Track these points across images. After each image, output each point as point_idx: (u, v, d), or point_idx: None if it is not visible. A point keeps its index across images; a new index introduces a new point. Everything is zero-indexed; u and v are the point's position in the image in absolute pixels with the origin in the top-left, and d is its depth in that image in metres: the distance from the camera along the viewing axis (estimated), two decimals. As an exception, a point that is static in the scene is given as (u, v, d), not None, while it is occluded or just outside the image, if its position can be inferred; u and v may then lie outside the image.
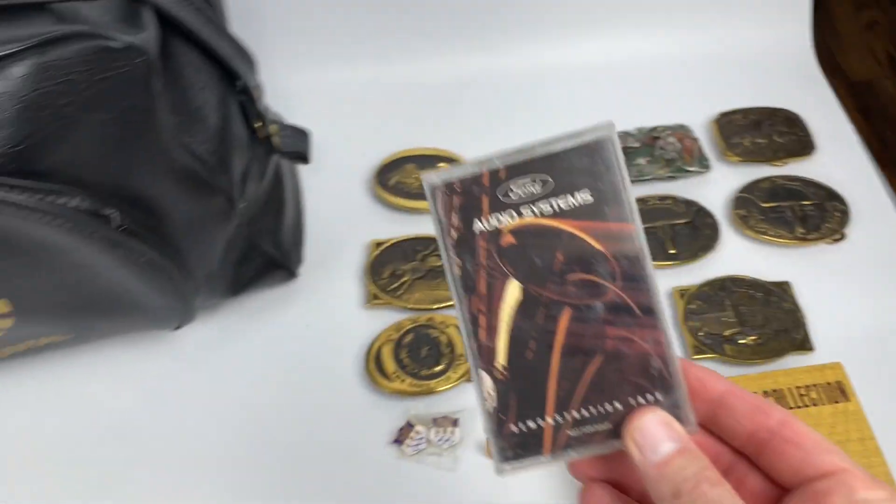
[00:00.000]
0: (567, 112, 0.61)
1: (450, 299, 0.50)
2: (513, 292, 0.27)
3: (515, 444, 0.28)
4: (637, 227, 0.27)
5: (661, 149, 0.57)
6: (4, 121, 0.32)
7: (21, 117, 0.32)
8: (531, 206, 0.27)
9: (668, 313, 0.26)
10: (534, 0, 0.63)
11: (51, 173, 0.34)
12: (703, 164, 0.57)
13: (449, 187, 0.27)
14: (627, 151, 0.57)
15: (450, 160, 0.59)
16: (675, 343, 0.27)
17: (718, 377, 0.28)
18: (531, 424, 0.27)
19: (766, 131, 0.59)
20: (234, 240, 0.46)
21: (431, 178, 0.27)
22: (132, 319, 0.44)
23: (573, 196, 0.27)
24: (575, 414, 0.27)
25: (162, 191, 0.38)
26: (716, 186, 0.56)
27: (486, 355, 0.28)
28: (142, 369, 0.49)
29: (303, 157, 0.49)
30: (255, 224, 0.48)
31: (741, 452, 0.28)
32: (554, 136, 0.27)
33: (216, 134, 0.41)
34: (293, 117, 0.52)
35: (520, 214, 0.27)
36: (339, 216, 0.57)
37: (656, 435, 0.26)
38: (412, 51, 0.64)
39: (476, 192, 0.27)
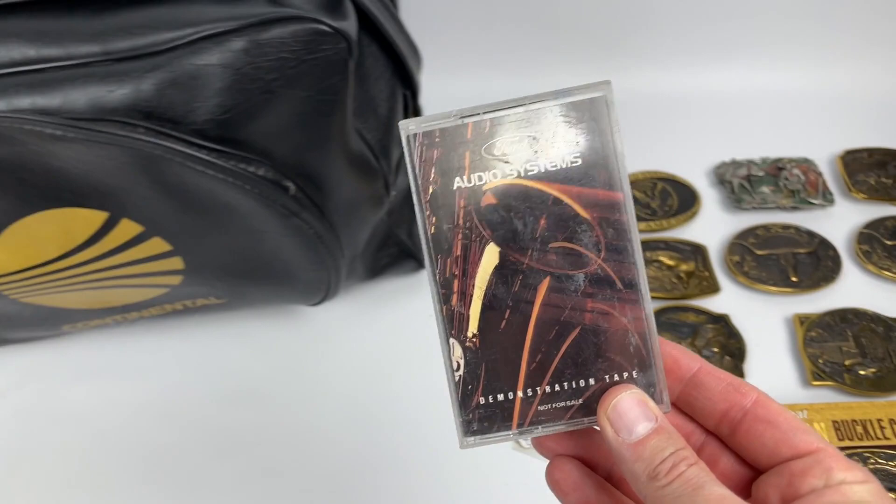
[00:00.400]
0: (694, 137, 0.63)
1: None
2: (490, 257, 0.26)
3: (482, 417, 0.26)
4: (626, 196, 0.25)
5: (786, 179, 0.58)
6: (219, 90, 0.35)
7: (233, 88, 0.36)
8: (516, 165, 0.25)
9: (648, 290, 0.26)
10: (667, 27, 0.65)
11: (246, 142, 0.38)
12: (827, 198, 0.57)
13: (428, 137, 0.25)
14: (752, 179, 0.59)
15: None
16: (654, 320, 0.26)
17: (692, 355, 0.27)
18: (500, 397, 0.26)
19: (891, 171, 0.60)
20: (378, 226, 0.49)
21: (409, 125, 0.25)
22: (283, 290, 0.47)
23: (561, 158, 0.25)
24: (546, 388, 0.26)
25: (334, 170, 0.41)
26: (839, 221, 0.57)
27: (456, 323, 0.26)
28: (276, 341, 0.52)
29: (444, 155, 0.52)
30: (395, 214, 0.50)
31: (713, 433, 0.27)
32: (546, 92, 0.25)
33: (383, 123, 0.44)
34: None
35: (503, 174, 0.25)
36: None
37: (632, 414, 0.25)
38: (546, 68, 0.66)
39: (458, 145, 0.25)
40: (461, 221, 0.25)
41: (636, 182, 0.60)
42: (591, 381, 0.26)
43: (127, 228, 0.39)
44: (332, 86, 0.37)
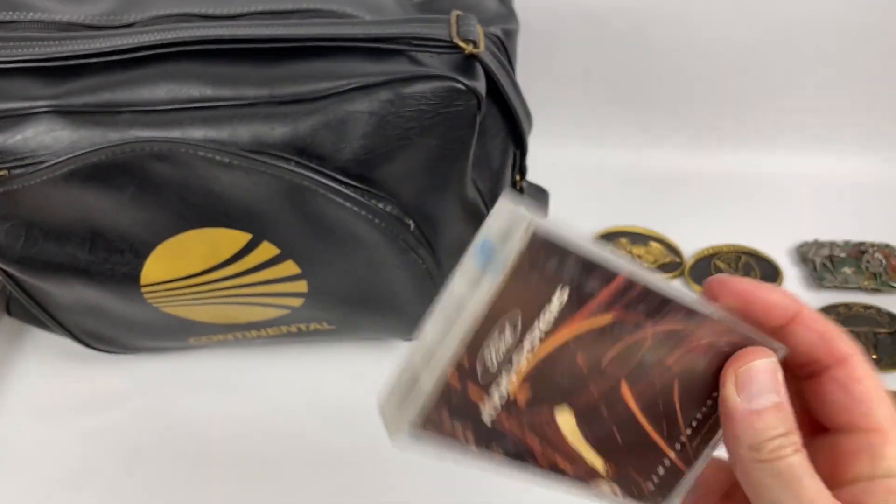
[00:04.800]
0: (779, 217, 0.66)
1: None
2: (565, 421, 0.24)
3: (657, 487, 0.27)
4: (629, 267, 0.23)
5: (868, 262, 0.60)
6: (363, 133, 0.41)
7: (376, 133, 0.41)
8: (516, 355, 0.22)
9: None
10: (758, 113, 0.69)
11: (379, 181, 0.42)
12: (909, 283, 0.59)
13: (428, 422, 0.22)
14: (834, 260, 0.61)
15: (658, 240, 0.64)
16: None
17: (790, 299, 0.26)
18: (660, 471, 0.27)
19: (974, 263, 0.61)
20: (477, 272, 0.53)
21: (397, 421, 0.22)
22: (389, 322, 0.51)
23: (549, 307, 0.22)
24: (688, 432, 0.27)
25: (449, 213, 0.46)
26: (919, 305, 0.59)
27: (588, 475, 0.26)
28: (373, 371, 0.56)
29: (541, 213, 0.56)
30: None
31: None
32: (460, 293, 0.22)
33: (494, 176, 0.48)
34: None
35: (513, 370, 0.22)
36: (554, 274, 0.63)
37: (762, 381, 0.24)
38: (635, 143, 0.71)
39: (455, 395, 0.22)
40: (518, 431, 0.24)
41: (721, 254, 0.63)
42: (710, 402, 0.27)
43: (266, 250, 0.44)
44: (460, 137, 0.42)
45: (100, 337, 0.52)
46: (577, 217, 0.66)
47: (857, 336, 0.56)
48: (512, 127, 0.48)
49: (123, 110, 0.41)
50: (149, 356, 0.57)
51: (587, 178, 0.70)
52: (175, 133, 0.41)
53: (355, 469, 0.51)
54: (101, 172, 0.41)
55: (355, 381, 0.55)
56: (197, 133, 0.41)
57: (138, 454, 0.52)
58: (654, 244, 0.64)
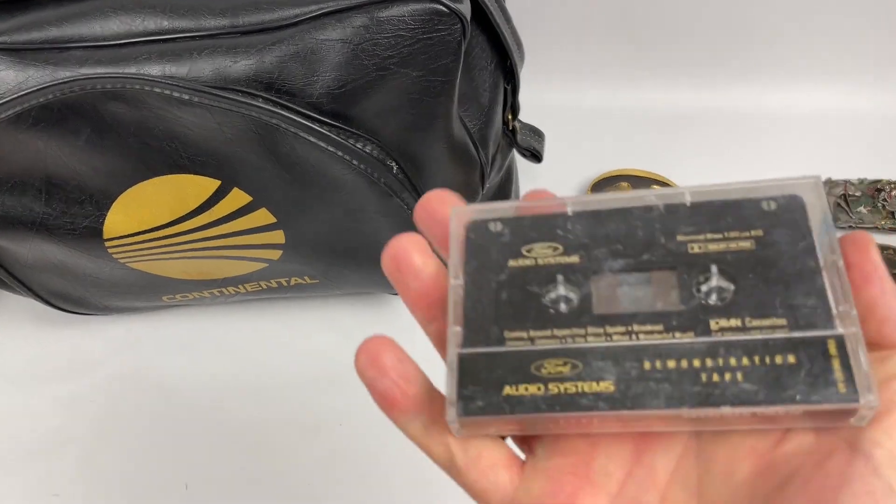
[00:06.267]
0: (789, 156, 0.62)
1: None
2: None
3: None
4: None
5: (885, 200, 0.57)
6: (337, 64, 0.37)
7: (350, 63, 0.37)
8: None
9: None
10: (768, 46, 0.65)
11: (357, 119, 0.39)
12: (928, 222, 0.56)
13: None
14: (849, 199, 0.57)
15: (661, 183, 0.60)
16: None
17: None
18: None
19: None
20: (469, 219, 0.49)
21: None
22: (374, 274, 0.47)
23: None
24: None
25: (435, 153, 0.42)
26: (940, 245, 0.55)
27: None
28: (360, 328, 0.53)
29: (537, 156, 0.52)
30: (485, 210, 0.51)
31: None
32: None
33: (484, 114, 0.44)
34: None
35: None
36: (551, 221, 0.59)
37: None
38: (636, 82, 0.66)
39: None
40: None
41: (727, 196, 0.59)
42: None
43: (237, 197, 0.41)
44: (444, 66, 0.38)
45: (67, 297, 0.49)
46: (575, 160, 0.63)
47: (874, 279, 0.52)
48: (501, 58, 0.44)
49: (73, 46, 0.37)
50: (121, 317, 0.54)
51: (585, 118, 0.66)
52: (130, 69, 0.37)
53: (343, 430, 0.48)
54: (51, 114, 0.37)
55: (342, 339, 0.52)
56: (154, 69, 0.37)
57: (114, 420, 0.49)
58: (656, 188, 0.60)
